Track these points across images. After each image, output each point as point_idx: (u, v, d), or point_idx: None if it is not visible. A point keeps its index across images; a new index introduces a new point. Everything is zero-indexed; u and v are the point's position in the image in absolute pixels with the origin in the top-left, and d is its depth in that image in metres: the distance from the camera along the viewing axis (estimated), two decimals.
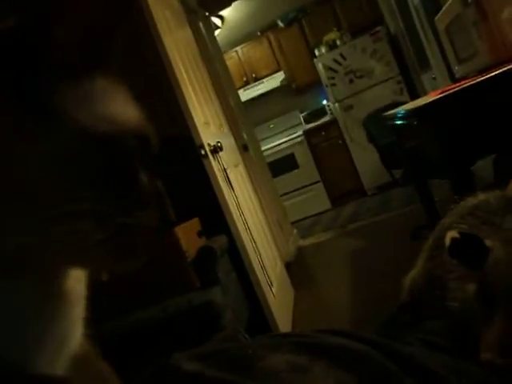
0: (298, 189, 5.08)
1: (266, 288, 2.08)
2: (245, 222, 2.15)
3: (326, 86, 4.81)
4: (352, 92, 4.73)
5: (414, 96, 4.57)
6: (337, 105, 4.81)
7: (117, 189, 0.34)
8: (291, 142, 5.11)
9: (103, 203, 0.33)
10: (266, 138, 5.51)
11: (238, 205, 2.15)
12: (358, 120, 4.63)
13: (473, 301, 0.46)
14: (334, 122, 4.97)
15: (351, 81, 4.74)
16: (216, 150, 2.07)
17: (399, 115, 2.10)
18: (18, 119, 0.31)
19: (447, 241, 0.48)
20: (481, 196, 0.57)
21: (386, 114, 2.35)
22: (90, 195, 0.32)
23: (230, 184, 2.13)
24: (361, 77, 4.69)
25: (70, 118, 0.33)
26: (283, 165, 5.05)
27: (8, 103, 0.30)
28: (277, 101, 5.58)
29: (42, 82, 0.31)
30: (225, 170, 2.12)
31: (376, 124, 2.64)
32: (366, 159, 4.69)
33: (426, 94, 4.29)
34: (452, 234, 0.48)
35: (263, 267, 2.18)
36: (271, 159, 4.90)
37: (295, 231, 4.21)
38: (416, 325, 0.50)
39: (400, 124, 2.21)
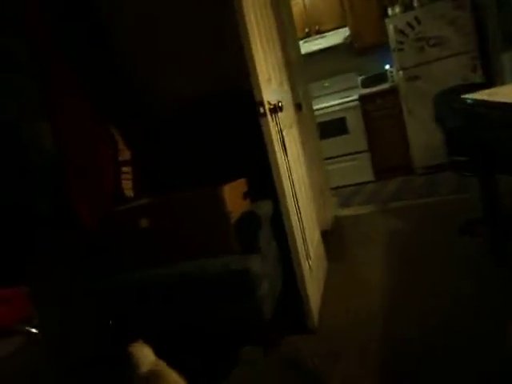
0: (343, 155, 4.89)
1: (303, 261, 2.01)
2: (292, 188, 2.04)
3: (394, 50, 4.46)
4: (421, 61, 4.37)
5: (488, 76, 4.20)
6: (401, 73, 4.47)
7: None
8: (344, 106, 4.85)
9: None
10: (318, 96, 5.26)
11: (289, 170, 2.03)
12: (421, 93, 4.32)
13: None
14: (393, 90, 4.66)
15: (422, 49, 4.37)
16: (275, 109, 1.93)
17: (476, 103, 1.89)
18: None
19: None
20: None
21: (464, 97, 2.12)
22: None
23: (285, 147, 2.00)
24: (433, 45, 4.31)
25: None
26: (332, 128, 4.83)
27: None
28: (336, 59, 5.26)
29: None
30: (281, 131, 1.99)
31: (448, 104, 2.41)
32: (420, 136, 4.42)
33: (502, 75, 3.92)
34: None
35: (304, 238, 2.09)
36: (320, 120, 4.68)
37: (334, 199, 4.08)
38: None
39: (477, 112, 2.00)
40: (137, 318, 1.80)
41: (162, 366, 1.42)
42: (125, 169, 2.13)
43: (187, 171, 2.20)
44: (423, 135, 4.34)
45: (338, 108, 4.87)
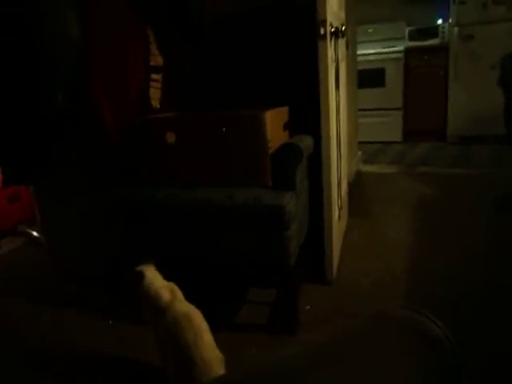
0: (374, 109, 4.61)
1: (334, 208, 1.84)
2: (338, 128, 1.84)
3: (454, 2, 4.06)
4: (480, 19, 3.99)
5: None
6: (456, 29, 4.10)
7: None
8: (386, 56, 4.51)
9: None
10: (359, 42, 4.88)
11: (338, 107, 1.81)
12: (474, 55, 3.99)
13: None
14: (444, 48, 4.30)
15: (484, 5, 3.97)
16: (337, 33, 1.68)
17: None
18: None
19: None
20: None
21: None
22: None
23: (338, 80, 1.77)
24: (499, 3, 3.91)
25: None
26: (369, 78, 4.52)
27: None
28: (385, 4, 4.85)
29: None
30: (338, 61, 1.75)
31: None
32: (462, 102, 4.13)
33: None
34: None
35: (339, 184, 1.91)
36: (358, 68, 4.37)
37: (359, 153, 3.87)
38: None
39: None
40: (151, 238, 1.66)
41: (177, 289, 1.31)
42: (155, 76, 1.90)
43: (221, 90, 1.97)
44: (466, 102, 4.06)
45: (378, 57, 4.53)
